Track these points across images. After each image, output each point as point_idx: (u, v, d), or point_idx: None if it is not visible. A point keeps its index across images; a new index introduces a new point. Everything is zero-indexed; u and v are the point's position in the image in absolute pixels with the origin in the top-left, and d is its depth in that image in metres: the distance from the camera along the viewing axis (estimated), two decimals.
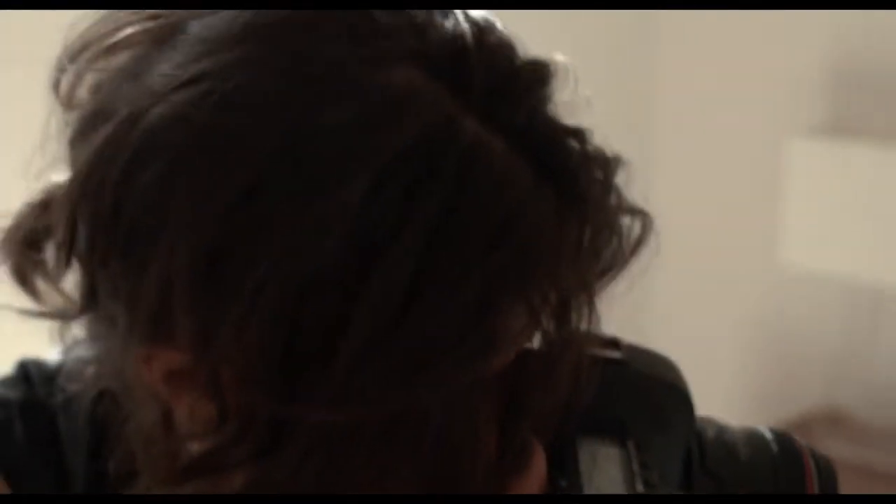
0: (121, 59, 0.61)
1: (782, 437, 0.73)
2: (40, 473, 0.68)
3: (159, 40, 0.59)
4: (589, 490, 0.63)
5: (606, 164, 0.60)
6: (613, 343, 0.68)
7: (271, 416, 0.57)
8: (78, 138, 0.61)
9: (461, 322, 0.56)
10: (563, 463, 0.64)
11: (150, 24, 0.60)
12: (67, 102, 0.62)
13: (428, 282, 0.55)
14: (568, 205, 0.58)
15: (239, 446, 0.58)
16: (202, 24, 0.59)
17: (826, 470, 0.72)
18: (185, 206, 0.55)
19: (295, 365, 0.56)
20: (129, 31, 0.61)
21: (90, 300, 0.61)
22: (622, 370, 0.67)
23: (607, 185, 0.60)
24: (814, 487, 0.71)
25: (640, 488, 0.63)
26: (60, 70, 0.63)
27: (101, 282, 0.60)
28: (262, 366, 0.56)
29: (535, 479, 0.64)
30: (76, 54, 0.62)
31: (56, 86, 0.63)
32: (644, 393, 0.67)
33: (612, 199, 0.61)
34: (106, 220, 0.58)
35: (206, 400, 0.58)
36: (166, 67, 0.58)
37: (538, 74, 0.60)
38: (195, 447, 0.60)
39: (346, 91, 0.56)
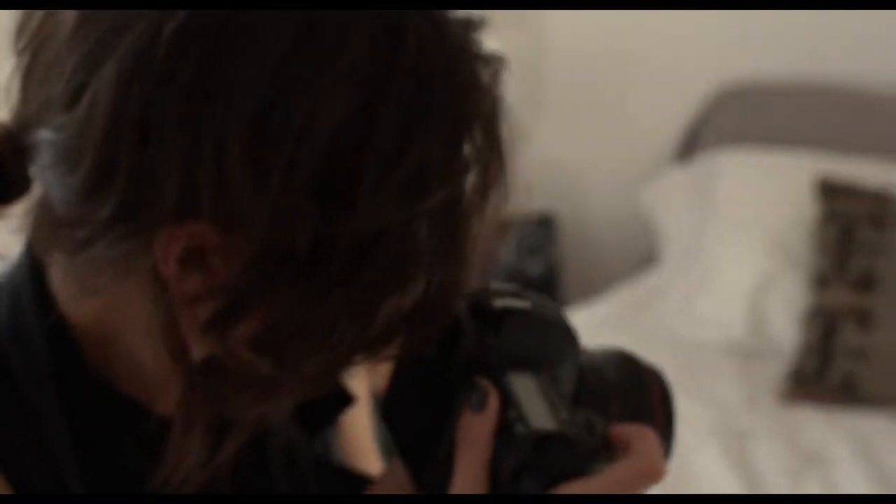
0: None
1: (628, 356, 0.86)
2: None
3: None
4: (531, 420, 0.74)
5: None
6: (519, 294, 0.80)
7: (306, 244, 0.68)
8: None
9: (444, 147, 0.70)
10: (505, 397, 0.76)
11: None
12: None
13: (415, 126, 0.69)
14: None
15: (270, 279, 0.69)
16: None
17: (656, 372, 0.86)
18: (236, 72, 0.66)
19: (331, 192, 0.68)
20: None
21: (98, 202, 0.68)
22: (529, 316, 0.79)
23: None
24: (658, 393, 0.85)
25: (564, 415, 0.75)
26: None
27: (129, 170, 0.67)
28: (306, 196, 0.67)
29: (492, 414, 0.75)
30: None
31: None
32: (546, 333, 0.80)
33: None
34: (159, 92, 0.66)
35: (226, 261, 0.69)
36: None
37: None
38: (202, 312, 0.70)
39: None
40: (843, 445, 2.36)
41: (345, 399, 0.88)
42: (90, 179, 0.68)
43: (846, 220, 2.66)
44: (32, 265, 0.76)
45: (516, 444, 0.74)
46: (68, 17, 0.69)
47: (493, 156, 0.73)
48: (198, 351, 0.73)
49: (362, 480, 0.93)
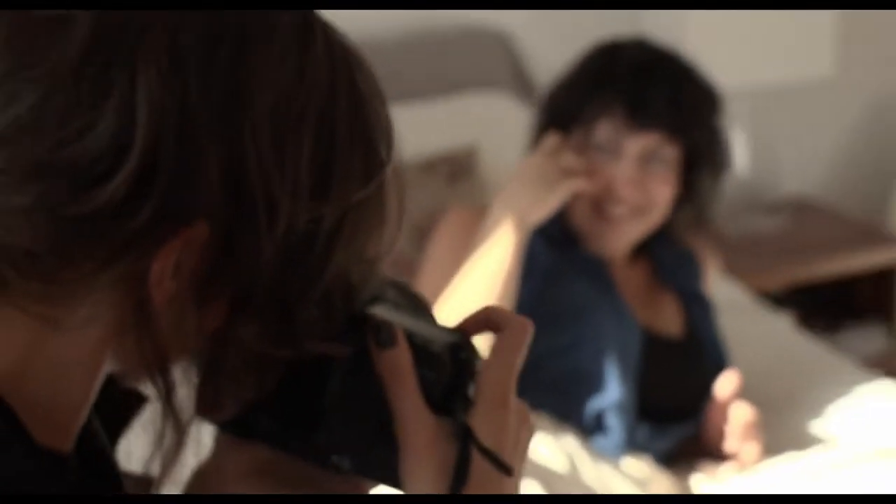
0: None
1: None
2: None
3: None
4: (435, 339, 0.82)
5: None
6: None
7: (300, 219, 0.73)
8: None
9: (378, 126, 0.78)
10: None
11: None
12: None
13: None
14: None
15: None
16: None
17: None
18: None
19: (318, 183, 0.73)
20: None
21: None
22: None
23: None
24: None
25: (437, 326, 0.84)
26: None
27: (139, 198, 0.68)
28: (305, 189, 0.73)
29: (404, 345, 0.80)
30: None
31: None
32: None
33: None
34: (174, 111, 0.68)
35: (216, 253, 0.71)
36: None
37: None
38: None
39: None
40: None
41: (139, 399, 0.85)
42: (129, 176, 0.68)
43: None
44: None
45: (439, 361, 0.81)
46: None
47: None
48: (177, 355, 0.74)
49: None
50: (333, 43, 0.77)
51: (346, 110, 0.75)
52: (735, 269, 3.06)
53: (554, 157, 1.88)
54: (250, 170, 0.70)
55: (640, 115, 1.89)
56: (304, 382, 0.80)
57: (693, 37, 3.01)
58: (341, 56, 0.76)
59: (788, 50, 3.15)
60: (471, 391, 0.82)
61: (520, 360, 0.82)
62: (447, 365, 0.82)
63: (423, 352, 0.81)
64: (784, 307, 3.28)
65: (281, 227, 0.71)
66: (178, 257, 0.70)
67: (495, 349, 0.82)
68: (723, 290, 2.73)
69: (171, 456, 0.74)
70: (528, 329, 0.82)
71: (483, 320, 0.84)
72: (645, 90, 1.90)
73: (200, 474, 0.85)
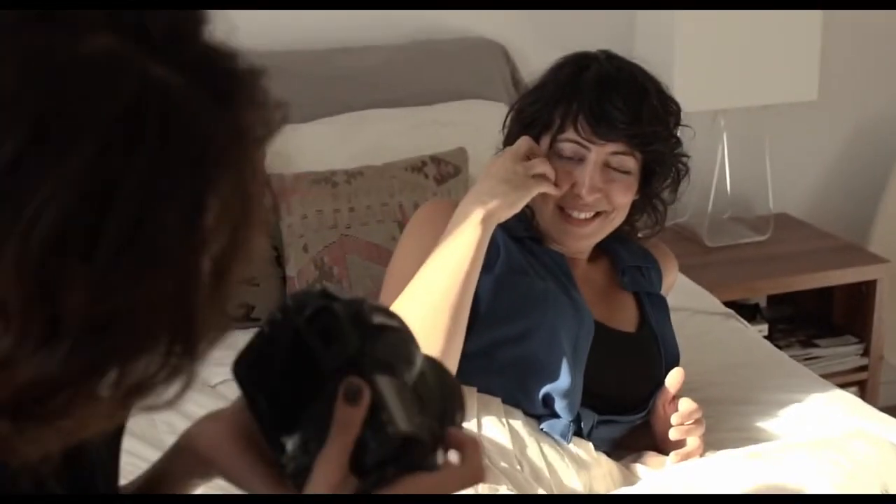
0: None
1: (436, 362, 1.02)
2: None
3: None
4: (398, 423, 0.93)
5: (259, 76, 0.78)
6: (386, 311, 0.98)
7: (46, 314, 0.72)
8: None
9: (181, 226, 0.74)
10: (374, 395, 0.94)
11: None
12: None
13: (152, 208, 0.73)
14: (244, 115, 0.77)
15: (22, 344, 0.72)
16: None
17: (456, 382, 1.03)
18: None
19: (62, 271, 0.72)
20: None
21: None
22: (399, 333, 0.98)
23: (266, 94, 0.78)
24: (460, 398, 1.02)
25: (417, 419, 0.94)
26: None
27: None
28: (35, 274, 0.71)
29: (363, 408, 0.92)
30: None
31: None
32: (408, 348, 0.98)
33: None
34: None
35: None
36: None
37: (198, 16, 0.76)
38: None
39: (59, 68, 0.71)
40: None
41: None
42: None
43: None
44: None
45: (387, 441, 0.93)
46: None
47: (243, 214, 0.78)
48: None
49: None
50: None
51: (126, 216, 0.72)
52: (715, 278, 3.18)
53: (523, 159, 2.01)
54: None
55: (602, 126, 2.02)
56: (301, 387, 0.96)
57: (681, 59, 3.13)
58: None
59: (776, 73, 3.26)
60: (397, 478, 0.94)
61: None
62: (393, 446, 0.94)
63: (379, 424, 0.93)
64: (761, 319, 3.39)
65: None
66: None
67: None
68: (696, 297, 2.86)
69: None
70: (479, 480, 0.96)
71: (458, 442, 0.97)
72: (608, 102, 2.02)
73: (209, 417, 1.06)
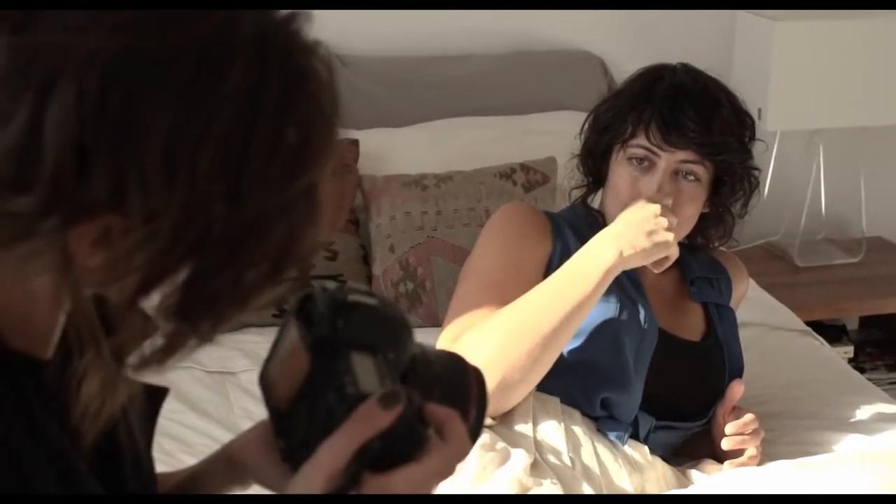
0: None
1: (458, 357, 1.05)
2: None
3: None
4: (361, 385, 0.94)
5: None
6: (369, 293, 1.00)
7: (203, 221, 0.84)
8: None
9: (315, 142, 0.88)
10: (347, 370, 0.94)
11: None
12: None
13: (283, 126, 0.85)
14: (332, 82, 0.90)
15: (175, 248, 0.84)
16: None
17: (479, 372, 1.05)
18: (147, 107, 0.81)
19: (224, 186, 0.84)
20: None
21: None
22: (373, 310, 0.99)
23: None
24: (476, 390, 1.04)
25: (388, 385, 0.94)
26: None
27: (65, 179, 0.80)
28: (205, 192, 0.83)
29: (394, 414, 0.92)
30: None
31: None
32: (385, 325, 0.99)
33: None
34: (94, 123, 0.80)
35: (126, 239, 0.83)
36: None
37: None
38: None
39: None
40: None
41: (161, 392, 1.08)
42: (44, 186, 0.80)
43: None
44: None
45: (347, 400, 0.93)
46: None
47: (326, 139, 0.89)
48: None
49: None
50: (255, 71, 0.84)
51: (260, 133, 0.84)
52: (803, 298, 3.17)
53: (661, 213, 2.02)
54: (131, 186, 0.82)
55: (673, 133, 2.06)
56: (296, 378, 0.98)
57: (777, 79, 3.13)
58: (256, 88, 0.84)
59: (876, 95, 3.25)
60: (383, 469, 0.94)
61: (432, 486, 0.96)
62: (356, 404, 0.93)
63: (340, 384, 0.94)
64: (847, 340, 3.37)
65: (169, 229, 0.83)
66: (100, 234, 0.83)
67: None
68: (776, 314, 2.86)
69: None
70: (464, 455, 0.97)
71: (437, 418, 0.97)
72: (680, 110, 2.06)
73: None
